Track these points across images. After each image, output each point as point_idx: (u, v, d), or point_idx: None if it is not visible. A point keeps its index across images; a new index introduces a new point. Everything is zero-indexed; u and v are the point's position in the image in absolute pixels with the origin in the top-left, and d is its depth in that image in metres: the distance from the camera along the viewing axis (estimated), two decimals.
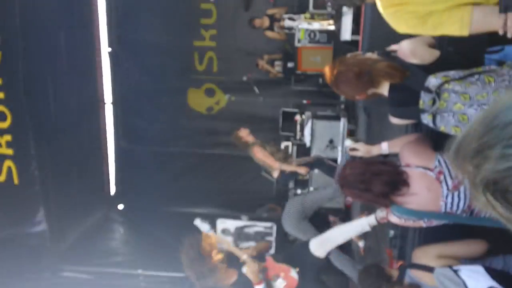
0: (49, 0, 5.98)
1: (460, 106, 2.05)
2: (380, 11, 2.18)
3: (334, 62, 2.39)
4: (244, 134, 5.56)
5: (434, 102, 2.09)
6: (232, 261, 3.87)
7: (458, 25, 1.96)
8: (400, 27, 2.13)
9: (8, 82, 5.31)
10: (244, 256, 3.87)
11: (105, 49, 7.59)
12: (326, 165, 5.36)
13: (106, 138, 7.82)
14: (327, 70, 2.39)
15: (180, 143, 8.05)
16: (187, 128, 8.06)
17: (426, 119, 2.15)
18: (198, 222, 4.05)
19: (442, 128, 2.13)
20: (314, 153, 6.73)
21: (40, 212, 5.76)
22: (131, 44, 7.70)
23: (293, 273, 3.95)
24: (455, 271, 2.16)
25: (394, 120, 2.38)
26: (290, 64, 7.29)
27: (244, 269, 3.86)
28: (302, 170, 5.16)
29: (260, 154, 5.26)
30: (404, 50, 2.24)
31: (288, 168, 5.13)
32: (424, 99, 2.12)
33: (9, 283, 5.67)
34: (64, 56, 6.26)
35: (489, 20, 1.91)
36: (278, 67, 7.50)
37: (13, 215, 5.74)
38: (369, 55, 2.40)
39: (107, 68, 7.69)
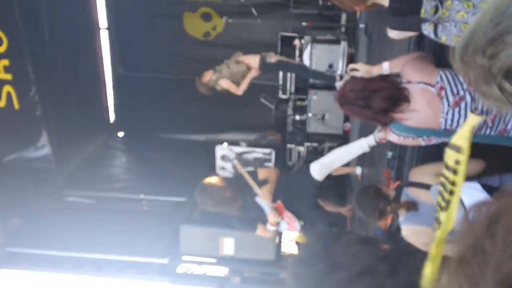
0: None
1: (463, 14, 1.99)
2: None
3: None
4: (207, 77, 5.40)
5: (436, 10, 2.03)
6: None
7: None
8: None
9: (1, 5, 5.16)
10: (257, 189, 3.97)
11: None
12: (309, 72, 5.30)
13: (103, 64, 7.72)
14: None
15: (178, 70, 7.95)
16: (184, 55, 7.92)
17: (427, 29, 2.10)
18: (225, 147, 4.14)
19: (443, 38, 2.08)
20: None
21: (43, 137, 5.80)
22: None
23: (297, 224, 4.08)
24: None
25: (393, 34, 2.32)
26: None
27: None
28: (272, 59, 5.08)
29: (226, 85, 5.19)
30: None
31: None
32: (426, 7, 2.06)
33: (15, 208, 5.82)
34: None
35: None
36: None
37: (17, 140, 5.80)
38: None
39: None
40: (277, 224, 4.05)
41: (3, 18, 5.23)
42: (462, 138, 1.39)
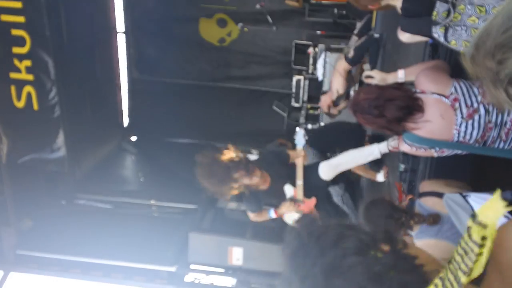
0: None
1: (474, 19, 1.97)
2: None
3: None
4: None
5: (448, 13, 2.01)
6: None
7: None
8: None
9: (28, 6, 5.24)
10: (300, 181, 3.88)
11: None
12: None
13: (118, 68, 7.78)
14: None
15: (192, 75, 7.98)
16: (199, 60, 7.95)
17: (438, 32, 2.08)
18: (300, 132, 4.04)
19: (453, 42, 2.06)
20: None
21: (60, 138, 5.82)
22: None
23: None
24: (464, 197, 2.16)
25: (404, 37, 2.30)
26: None
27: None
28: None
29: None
30: None
31: None
32: (439, 10, 2.04)
33: (27, 210, 5.86)
34: None
35: None
36: None
37: (33, 141, 5.81)
38: None
39: None
40: (283, 215, 3.99)
41: (29, 18, 5.30)
42: (488, 217, 1.31)
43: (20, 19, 5.36)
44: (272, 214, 4.01)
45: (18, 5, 5.31)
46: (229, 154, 3.71)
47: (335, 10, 6.83)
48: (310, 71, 6.99)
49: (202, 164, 3.70)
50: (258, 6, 6.97)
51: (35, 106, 5.66)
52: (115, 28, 7.62)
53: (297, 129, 4.04)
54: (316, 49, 6.68)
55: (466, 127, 2.17)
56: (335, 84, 4.11)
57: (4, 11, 5.33)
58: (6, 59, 5.48)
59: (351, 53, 4.66)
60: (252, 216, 4.09)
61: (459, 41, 2.04)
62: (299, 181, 3.92)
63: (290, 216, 4.03)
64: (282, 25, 7.17)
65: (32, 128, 5.75)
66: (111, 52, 7.56)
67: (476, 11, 1.97)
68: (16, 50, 5.47)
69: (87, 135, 6.59)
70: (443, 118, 2.19)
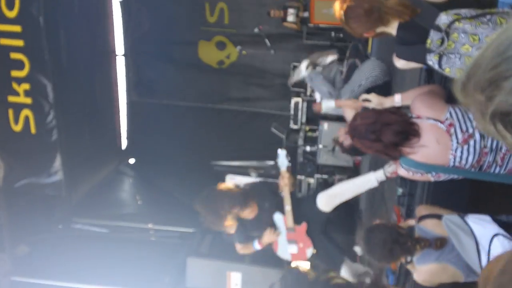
0: None
1: (468, 47, 1.98)
2: None
3: None
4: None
5: (442, 41, 2.03)
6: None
7: None
8: None
9: (27, 30, 5.28)
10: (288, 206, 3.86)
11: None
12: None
13: (117, 91, 7.80)
14: (337, 4, 2.33)
15: (191, 98, 7.99)
16: (198, 82, 7.97)
17: (432, 59, 2.09)
18: (282, 154, 3.96)
19: (447, 70, 2.07)
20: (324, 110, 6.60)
21: (57, 162, 5.81)
22: None
23: (309, 251, 3.97)
24: (463, 218, 2.14)
25: (399, 64, 2.33)
26: (305, 14, 6.99)
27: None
28: None
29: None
30: None
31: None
32: (433, 38, 2.06)
33: (23, 235, 5.80)
34: (76, 5, 6.15)
35: None
36: (291, 16, 7.18)
37: (30, 165, 5.81)
38: None
39: (118, 18, 7.59)
40: (267, 244, 3.93)
41: (28, 42, 5.35)
42: None
43: (19, 42, 5.41)
44: (256, 245, 3.97)
45: (18, 29, 5.37)
46: (227, 186, 3.84)
47: (333, 33, 6.87)
48: (308, 93, 7.00)
49: (202, 196, 3.75)
50: (256, 29, 7.02)
51: (33, 129, 5.66)
52: (114, 50, 7.67)
53: (279, 150, 3.93)
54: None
55: (462, 152, 2.16)
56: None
57: (3, 34, 5.38)
58: (4, 82, 5.51)
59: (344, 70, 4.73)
60: (239, 247, 4.05)
61: (453, 69, 2.05)
62: (287, 207, 3.87)
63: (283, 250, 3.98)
64: (280, 48, 7.21)
65: (29, 152, 5.74)
66: (110, 74, 7.59)
67: (470, 40, 1.98)
68: (15, 73, 5.51)
69: (85, 159, 6.56)
70: (438, 143, 2.18)
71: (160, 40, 7.68)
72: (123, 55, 7.85)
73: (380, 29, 2.30)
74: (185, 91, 7.98)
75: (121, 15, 7.60)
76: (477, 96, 0.89)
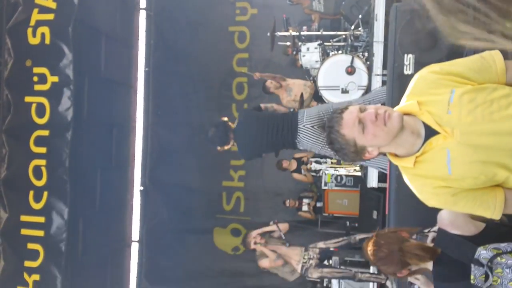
0: (93, 141, 6.33)
1: None
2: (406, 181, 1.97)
3: (371, 238, 2.35)
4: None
5: (486, 277, 1.95)
6: None
7: (490, 211, 1.76)
8: (428, 202, 1.86)
9: (49, 221, 5.44)
10: None
11: (137, 188, 7.78)
12: None
13: (129, 279, 7.63)
14: (365, 246, 2.34)
15: (205, 285, 7.76)
16: (212, 269, 7.83)
17: None
18: None
19: None
20: None
21: None
22: (162, 183, 7.89)
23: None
24: None
25: None
26: (319, 204, 7.17)
27: None
28: None
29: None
30: (443, 220, 2.15)
31: None
32: (476, 274, 1.98)
33: None
34: (98, 196, 6.42)
35: None
36: (305, 205, 7.37)
37: None
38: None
39: (137, 206, 7.81)
40: None
41: (47, 233, 5.51)
42: None
43: (40, 233, 5.54)
44: None
45: (41, 220, 5.55)
46: None
47: (347, 223, 6.90)
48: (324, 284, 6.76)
49: None
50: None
51: None
52: (130, 237, 7.73)
53: None
54: (330, 262, 6.48)
55: None
56: None
57: (25, 225, 5.55)
58: (16, 273, 5.49)
59: None
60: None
61: None
62: None
63: None
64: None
65: None
66: (123, 262, 7.54)
67: None
68: (27, 263, 5.51)
69: None
70: None
71: (176, 228, 7.77)
72: (138, 241, 7.88)
73: (415, 266, 2.21)
74: (198, 278, 7.77)
75: (140, 203, 7.84)
76: None
